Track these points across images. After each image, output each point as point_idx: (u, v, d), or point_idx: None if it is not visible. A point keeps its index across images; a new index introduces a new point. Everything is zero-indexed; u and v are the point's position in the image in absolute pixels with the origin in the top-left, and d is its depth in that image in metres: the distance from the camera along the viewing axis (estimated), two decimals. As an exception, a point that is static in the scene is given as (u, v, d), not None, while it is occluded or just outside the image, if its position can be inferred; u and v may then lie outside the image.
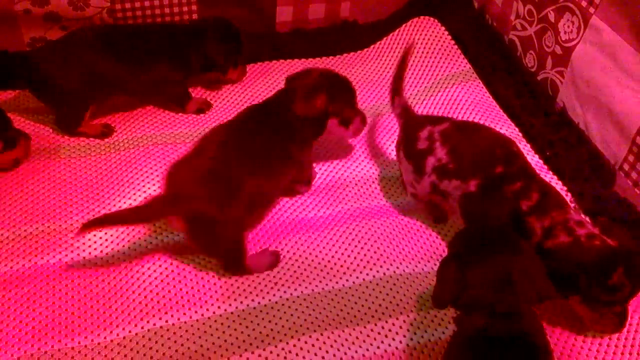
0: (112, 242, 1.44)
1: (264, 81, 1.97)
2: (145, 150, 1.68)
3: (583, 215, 1.30)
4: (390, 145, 1.75)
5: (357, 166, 1.69)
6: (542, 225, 1.24)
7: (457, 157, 1.35)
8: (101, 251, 1.42)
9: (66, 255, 1.40)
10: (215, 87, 1.95)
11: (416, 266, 1.43)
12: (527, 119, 1.73)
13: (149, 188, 1.57)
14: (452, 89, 1.86)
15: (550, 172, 1.61)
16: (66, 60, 1.63)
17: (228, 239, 1.34)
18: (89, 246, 1.43)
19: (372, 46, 2.12)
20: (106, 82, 1.68)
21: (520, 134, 1.72)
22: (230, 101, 1.91)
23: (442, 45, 2.00)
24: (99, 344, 1.24)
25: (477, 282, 1.07)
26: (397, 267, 1.42)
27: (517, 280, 1.05)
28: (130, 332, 1.27)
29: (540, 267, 1.10)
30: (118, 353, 1.23)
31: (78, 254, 1.41)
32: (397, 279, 1.40)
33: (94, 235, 1.45)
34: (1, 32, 1.83)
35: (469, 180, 1.33)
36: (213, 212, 1.28)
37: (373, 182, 1.65)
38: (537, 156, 1.66)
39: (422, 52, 2.00)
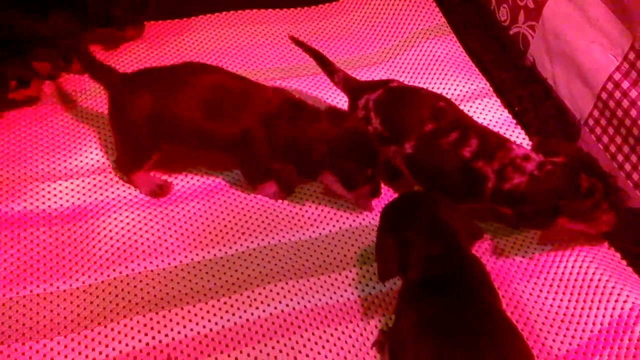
0: (78, 191, 1.44)
1: (236, 31, 1.94)
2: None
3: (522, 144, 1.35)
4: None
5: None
6: (493, 169, 1.27)
7: (388, 124, 1.39)
8: (67, 200, 1.42)
9: (31, 204, 1.39)
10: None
11: (364, 219, 1.45)
12: (497, 74, 1.74)
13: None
14: (425, 43, 1.85)
15: (519, 127, 1.62)
16: None
17: None
18: (55, 195, 1.42)
19: (346, -3, 2.08)
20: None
21: (491, 89, 1.73)
22: (195, 51, 1.87)
23: (417, -1, 1.98)
24: (64, 291, 1.25)
25: (415, 242, 1.10)
26: (362, 220, 1.44)
27: (449, 223, 1.11)
28: (96, 279, 1.28)
29: (461, 213, 1.19)
30: (84, 300, 1.24)
31: (43, 203, 1.40)
32: (362, 231, 1.42)
33: (60, 185, 1.44)
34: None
35: (403, 143, 1.36)
36: None
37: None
38: (506, 111, 1.67)
39: (398, 5, 1.98)
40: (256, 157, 1.38)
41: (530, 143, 1.58)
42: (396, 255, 1.11)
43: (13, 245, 1.31)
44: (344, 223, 1.43)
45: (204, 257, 1.35)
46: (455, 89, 1.71)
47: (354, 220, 1.44)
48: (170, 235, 1.38)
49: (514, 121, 1.64)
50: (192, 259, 1.34)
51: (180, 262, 1.33)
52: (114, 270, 1.30)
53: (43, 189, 1.42)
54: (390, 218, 1.17)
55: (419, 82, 1.77)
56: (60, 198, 1.42)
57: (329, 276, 1.33)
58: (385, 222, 1.18)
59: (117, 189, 1.45)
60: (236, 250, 1.37)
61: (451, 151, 1.31)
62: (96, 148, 1.54)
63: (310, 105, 1.38)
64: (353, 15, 2.03)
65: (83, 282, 1.27)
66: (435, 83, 1.75)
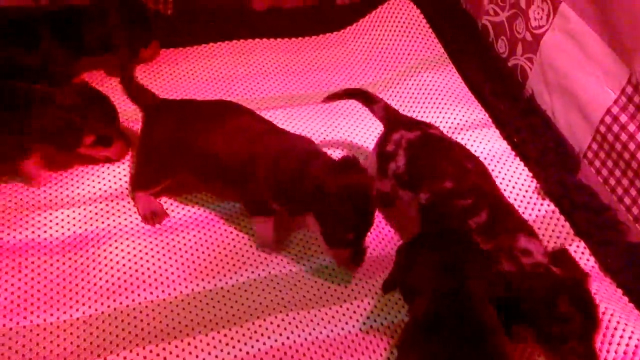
0: (79, 220, 1.44)
1: (237, 60, 1.96)
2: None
3: (535, 241, 1.24)
4: (360, 126, 1.77)
5: (329, 148, 1.70)
6: (487, 248, 1.21)
7: (411, 168, 1.36)
8: (68, 229, 1.42)
9: (33, 232, 1.40)
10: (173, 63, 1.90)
11: (382, 251, 1.45)
12: (496, 105, 1.76)
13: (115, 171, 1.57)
14: (425, 73, 1.87)
15: (517, 158, 1.64)
16: None
17: None
18: (56, 223, 1.42)
19: (347, 28, 2.11)
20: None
21: (490, 120, 1.75)
22: (199, 79, 1.89)
23: (417, 29, 2.00)
24: (64, 321, 1.25)
25: (422, 264, 1.11)
26: (369, 253, 1.44)
27: (462, 262, 1.10)
28: (96, 310, 1.28)
29: (489, 263, 1.15)
30: (84, 331, 1.24)
31: (45, 232, 1.40)
32: (368, 264, 1.41)
33: (61, 214, 1.44)
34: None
35: (419, 193, 1.33)
36: None
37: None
38: (505, 142, 1.68)
39: (398, 35, 2.01)
40: (258, 191, 1.35)
41: (529, 175, 1.59)
42: (403, 269, 1.11)
43: (14, 275, 1.31)
44: (344, 254, 1.43)
45: (204, 287, 1.35)
46: (454, 119, 1.73)
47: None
48: (171, 265, 1.38)
49: (513, 152, 1.65)
50: (192, 290, 1.34)
51: (181, 292, 1.33)
52: (114, 300, 1.30)
53: (45, 218, 1.43)
54: (407, 246, 1.19)
55: (418, 112, 1.79)
56: (62, 227, 1.42)
57: (330, 308, 1.32)
58: (408, 242, 1.19)
59: (119, 217, 1.46)
60: (236, 280, 1.37)
61: (460, 216, 1.26)
62: (98, 176, 1.54)
63: (326, 155, 1.31)
64: (353, 45, 2.06)
65: (83, 313, 1.27)
66: (434, 113, 1.77)
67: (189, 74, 1.90)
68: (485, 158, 1.61)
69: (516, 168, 1.61)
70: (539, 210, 1.51)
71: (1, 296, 1.27)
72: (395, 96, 1.86)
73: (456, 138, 1.65)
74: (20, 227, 1.40)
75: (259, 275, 1.38)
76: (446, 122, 1.72)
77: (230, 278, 1.37)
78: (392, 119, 1.48)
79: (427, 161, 1.35)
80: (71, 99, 1.43)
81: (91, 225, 1.43)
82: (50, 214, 1.44)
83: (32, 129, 1.42)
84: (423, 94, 1.83)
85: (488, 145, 1.66)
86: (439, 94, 1.81)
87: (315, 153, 1.31)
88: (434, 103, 1.79)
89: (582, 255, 1.43)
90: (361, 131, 1.76)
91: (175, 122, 1.40)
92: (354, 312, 1.32)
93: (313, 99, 1.86)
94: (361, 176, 1.26)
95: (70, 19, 1.71)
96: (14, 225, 1.40)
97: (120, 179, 1.54)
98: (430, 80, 1.85)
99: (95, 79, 1.81)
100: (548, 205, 1.52)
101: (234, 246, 1.43)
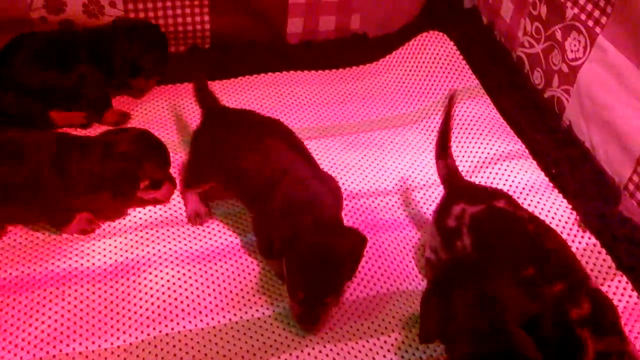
0: (121, 249, 1.47)
1: (272, 91, 2.00)
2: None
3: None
4: (394, 157, 1.79)
5: (365, 177, 1.72)
6: (596, 349, 1.10)
7: (482, 252, 1.25)
8: (110, 257, 1.45)
9: (76, 262, 1.43)
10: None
11: (410, 283, 1.45)
12: (532, 136, 1.75)
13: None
14: (459, 104, 1.88)
15: (556, 190, 1.62)
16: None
17: None
18: (99, 253, 1.45)
19: (381, 60, 2.14)
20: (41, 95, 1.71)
21: (527, 151, 1.74)
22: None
23: (450, 60, 2.02)
24: (105, 349, 1.27)
25: (460, 312, 1.09)
26: (400, 285, 1.44)
27: (500, 299, 1.08)
28: (136, 338, 1.29)
29: (517, 290, 1.12)
30: (124, 359, 1.25)
31: (87, 260, 1.43)
32: (401, 296, 1.41)
33: (103, 243, 1.48)
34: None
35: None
36: None
37: (380, 194, 1.67)
38: (542, 173, 1.67)
39: (431, 67, 2.02)
40: (263, 225, 1.39)
41: (569, 207, 1.57)
42: (439, 318, 1.10)
43: (58, 303, 1.34)
44: (380, 287, 1.43)
45: (241, 317, 1.35)
46: (489, 150, 1.73)
47: (390, 286, 1.43)
48: (209, 294, 1.39)
49: (551, 184, 1.64)
50: (229, 319, 1.35)
51: (219, 322, 1.34)
52: (154, 328, 1.31)
53: (87, 247, 1.46)
54: (438, 280, 1.17)
55: (453, 142, 1.79)
56: (104, 255, 1.45)
57: (367, 341, 1.32)
58: (433, 284, 1.17)
59: (158, 244, 1.48)
60: (272, 311, 1.37)
61: (554, 305, 1.14)
62: (138, 205, 1.57)
63: (331, 209, 1.34)
64: (386, 77, 2.08)
65: (124, 341, 1.29)
66: (469, 143, 1.77)
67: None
68: (522, 190, 1.60)
69: (554, 200, 1.59)
70: (579, 243, 1.49)
71: (45, 323, 1.30)
72: (429, 127, 1.87)
73: (492, 169, 1.66)
74: (64, 257, 1.43)
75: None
76: (482, 153, 1.72)
77: (267, 309, 1.37)
78: (453, 183, 1.42)
79: (500, 243, 1.24)
80: (126, 147, 1.45)
81: (131, 253, 1.46)
82: (93, 243, 1.47)
83: (85, 181, 1.42)
84: (458, 124, 1.83)
85: (525, 176, 1.65)
86: (474, 125, 1.81)
87: (319, 204, 1.32)
88: (469, 134, 1.79)
89: (624, 290, 1.40)
90: (394, 162, 1.78)
91: (222, 128, 1.50)
92: (392, 344, 1.31)
93: (347, 130, 1.88)
94: (337, 244, 1.25)
95: (102, 41, 1.78)
96: (58, 255, 1.44)
97: (159, 208, 1.57)
98: (465, 111, 1.86)
99: (125, 104, 1.88)
100: (589, 238, 1.49)
101: (271, 278, 1.44)
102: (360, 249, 1.31)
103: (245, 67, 2.06)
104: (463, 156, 1.75)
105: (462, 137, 1.80)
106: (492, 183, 1.64)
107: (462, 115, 1.85)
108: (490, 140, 1.75)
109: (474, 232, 1.27)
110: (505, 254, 1.22)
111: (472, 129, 1.80)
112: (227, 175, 1.47)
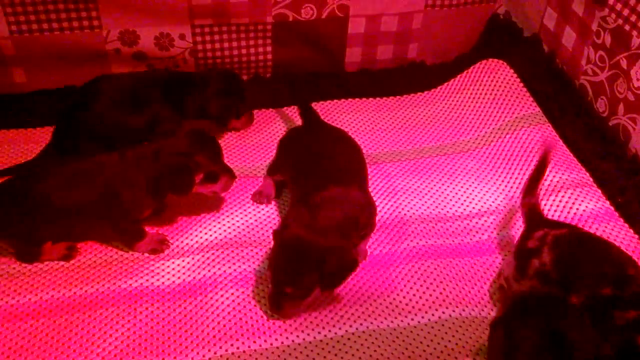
0: (189, 269, 1.52)
1: (332, 118, 2.04)
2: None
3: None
4: (453, 183, 1.79)
5: (424, 204, 1.73)
6: None
7: (561, 267, 1.26)
8: (179, 277, 1.50)
9: (147, 280, 1.49)
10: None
11: (482, 310, 1.44)
12: (598, 164, 1.72)
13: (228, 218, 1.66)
14: (520, 131, 1.87)
15: (622, 219, 1.59)
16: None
17: None
18: (168, 272, 1.51)
19: (439, 87, 2.16)
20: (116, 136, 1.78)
21: (591, 179, 1.71)
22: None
23: (511, 88, 2.02)
24: (174, 366, 1.31)
25: (525, 348, 1.07)
26: (463, 310, 1.43)
27: (569, 338, 1.05)
28: (203, 356, 1.33)
29: (589, 329, 1.10)
30: (192, 376, 1.29)
31: (157, 279, 1.49)
32: (463, 322, 1.41)
33: (172, 263, 1.54)
34: (93, 68, 1.98)
35: (570, 293, 1.22)
36: None
37: (439, 220, 1.68)
38: (607, 202, 1.64)
39: (491, 94, 2.03)
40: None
41: (636, 236, 1.53)
42: (504, 353, 1.09)
43: (130, 320, 1.40)
44: (443, 313, 1.43)
45: (304, 339, 1.38)
46: (553, 178, 1.71)
47: (453, 311, 1.43)
48: (268, 317, 1.42)
49: (617, 213, 1.61)
50: (292, 341, 1.37)
51: (282, 343, 1.37)
52: (221, 347, 1.35)
53: (158, 267, 1.52)
54: (506, 313, 1.16)
55: (513, 170, 1.79)
56: (173, 275, 1.51)
57: (432, 366, 1.32)
58: (501, 316, 1.16)
59: (224, 265, 1.53)
60: (335, 333, 1.39)
61: (623, 330, 1.13)
62: (205, 227, 1.63)
63: (347, 229, 1.41)
64: (445, 104, 2.10)
65: (192, 359, 1.33)
66: (530, 170, 1.75)
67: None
68: (587, 218, 1.58)
69: (620, 229, 1.56)
70: (648, 274, 1.45)
71: (118, 339, 1.36)
72: (490, 154, 1.87)
73: (556, 197, 1.65)
74: (136, 275, 1.50)
75: (356, 329, 1.40)
76: (544, 181, 1.70)
77: (329, 331, 1.39)
78: (535, 219, 1.45)
79: (581, 260, 1.26)
80: (176, 145, 1.53)
81: (199, 273, 1.51)
82: (163, 263, 1.53)
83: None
84: (519, 152, 1.83)
85: (590, 204, 1.62)
86: (536, 153, 1.80)
87: (339, 217, 1.40)
88: (531, 161, 1.78)
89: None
90: (453, 189, 1.78)
91: (306, 134, 1.74)
92: (455, 372, 1.31)
93: (405, 156, 1.90)
94: (315, 246, 1.34)
95: (176, 84, 1.86)
96: (130, 274, 1.50)
97: (226, 229, 1.63)
98: (526, 138, 1.85)
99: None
100: (657, 268, 1.45)
101: (336, 297, 1.46)
102: (341, 266, 1.36)
103: (305, 95, 2.11)
104: (525, 184, 1.74)
105: (524, 165, 1.79)
106: (556, 211, 1.63)
107: (524, 143, 1.84)
108: (553, 168, 1.73)
109: (556, 250, 1.29)
110: (586, 272, 1.23)
111: (534, 156, 1.79)
112: (294, 172, 1.63)
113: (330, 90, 2.16)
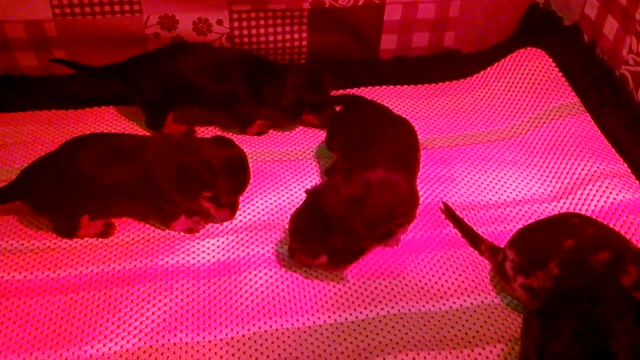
0: (223, 248, 1.55)
1: (367, 106, 2.05)
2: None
3: None
4: (489, 171, 1.78)
5: (458, 191, 1.72)
6: None
7: (523, 251, 1.37)
8: (213, 256, 1.53)
9: (183, 258, 1.52)
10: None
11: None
12: (637, 154, 1.69)
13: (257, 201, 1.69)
14: (558, 120, 1.85)
15: (660, 211, 1.56)
16: (154, 70, 1.84)
17: None
18: (203, 251, 1.54)
19: (475, 75, 2.14)
20: (185, 92, 1.84)
21: (629, 170, 1.68)
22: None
23: (549, 77, 1.99)
24: (209, 341, 1.34)
25: (561, 338, 1.06)
26: (496, 297, 1.43)
27: (606, 327, 1.04)
28: (237, 332, 1.36)
29: (629, 320, 1.08)
30: (226, 352, 1.32)
31: (193, 257, 1.53)
32: (495, 309, 1.41)
33: (207, 242, 1.57)
34: (131, 52, 2.01)
35: (547, 265, 1.30)
36: None
37: (473, 208, 1.67)
38: (646, 193, 1.61)
39: (528, 83, 2.01)
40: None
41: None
42: (539, 343, 1.08)
43: (166, 295, 1.43)
44: (475, 298, 1.43)
45: (335, 320, 1.39)
46: (590, 168, 1.69)
47: (486, 297, 1.43)
48: (304, 296, 1.44)
49: (655, 205, 1.58)
50: (324, 321, 1.39)
51: (314, 322, 1.39)
52: (254, 325, 1.38)
53: (193, 245, 1.56)
54: (543, 297, 1.15)
55: (549, 159, 1.77)
56: (208, 254, 1.54)
57: (461, 351, 1.32)
58: (537, 306, 1.16)
59: (257, 246, 1.55)
60: (366, 316, 1.40)
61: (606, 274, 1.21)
62: (241, 208, 1.65)
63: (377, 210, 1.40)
64: (482, 92, 2.08)
65: (226, 335, 1.36)
66: (567, 160, 1.74)
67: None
68: (623, 210, 1.56)
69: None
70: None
71: (155, 314, 1.40)
72: (526, 143, 1.85)
73: (592, 187, 1.63)
74: (172, 254, 1.53)
75: (387, 312, 1.40)
76: (581, 171, 1.68)
77: (360, 313, 1.41)
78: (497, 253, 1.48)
79: (535, 237, 1.39)
80: (215, 157, 1.50)
81: (233, 253, 1.54)
82: (198, 242, 1.57)
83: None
84: (555, 141, 1.81)
85: (627, 195, 1.60)
86: (573, 142, 1.78)
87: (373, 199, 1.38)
88: (567, 151, 1.76)
89: None
90: (489, 177, 1.77)
91: (356, 111, 1.74)
92: (486, 357, 1.30)
93: (440, 144, 1.89)
94: (326, 209, 1.37)
95: (259, 70, 1.88)
96: (167, 252, 1.54)
97: (259, 212, 1.65)
98: (563, 128, 1.82)
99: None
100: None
101: (364, 282, 1.47)
102: (347, 248, 1.38)
103: (339, 82, 2.12)
104: (562, 173, 1.72)
105: (560, 154, 1.77)
106: (592, 201, 1.61)
107: (561, 132, 1.82)
108: (590, 158, 1.71)
109: (514, 244, 1.40)
110: (544, 244, 1.33)
111: (571, 146, 1.77)
112: (346, 147, 1.62)
113: (364, 77, 2.16)
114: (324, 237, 1.37)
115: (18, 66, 2.07)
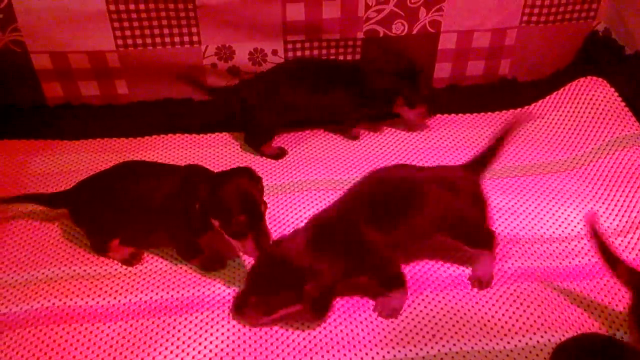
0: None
1: (420, 134, 2.03)
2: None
3: None
4: (550, 204, 1.73)
5: (519, 223, 1.67)
6: None
7: None
8: (234, 289, 1.51)
9: (224, 291, 1.51)
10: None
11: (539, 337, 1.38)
12: None
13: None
14: (622, 152, 1.79)
15: None
16: (266, 91, 1.90)
17: None
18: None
19: (533, 104, 2.10)
20: (293, 109, 1.91)
21: (701, 204, 1.61)
22: (374, 152, 1.98)
23: (611, 107, 1.94)
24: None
25: None
26: (562, 335, 1.37)
27: None
28: (295, 366, 1.34)
29: None
30: None
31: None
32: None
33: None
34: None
35: None
36: None
37: (536, 242, 1.62)
38: None
39: (590, 113, 1.95)
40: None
41: None
42: None
43: (224, 324, 1.43)
44: (541, 337, 1.37)
45: (394, 355, 1.36)
46: (656, 200, 1.62)
47: (552, 336, 1.37)
48: (362, 329, 1.41)
49: None
50: (383, 357, 1.36)
51: (372, 358, 1.35)
52: (311, 358, 1.35)
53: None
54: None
55: (613, 192, 1.71)
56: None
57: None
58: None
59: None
60: (427, 352, 1.36)
61: None
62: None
63: None
64: (541, 121, 2.04)
65: (284, 368, 1.34)
66: (633, 194, 1.67)
67: (375, 141, 2.00)
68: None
69: None
70: None
71: (213, 343, 1.39)
72: (589, 174, 1.80)
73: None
74: (229, 282, 1.53)
75: (449, 349, 1.36)
76: (647, 202, 1.62)
77: (421, 349, 1.37)
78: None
79: None
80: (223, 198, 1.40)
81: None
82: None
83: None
84: (621, 172, 1.75)
85: (700, 230, 1.53)
86: (637, 174, 1.71)
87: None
88: (631, 183, 1.70)
89: None
90: (550, 209, 1.72)
91: None
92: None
93: (497, 174, 1.85)
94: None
95: (356, 74, 1.98)
96: (223, 281, 1.54)
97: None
98: (628, 159, 1.76)
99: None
100: None
101: (424, 317, 1.43)
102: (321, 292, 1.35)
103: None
104: (628, 206, 1.66)
105: (625, 187, 1.70)
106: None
107: (625, 164, 1.76)
108: (655, 189, 1.65)
109: None
110: None
111: (638, 178, 1.71)
112: None
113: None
114: (297, 287, 1.33)
115: (80, 95, 2.14)
